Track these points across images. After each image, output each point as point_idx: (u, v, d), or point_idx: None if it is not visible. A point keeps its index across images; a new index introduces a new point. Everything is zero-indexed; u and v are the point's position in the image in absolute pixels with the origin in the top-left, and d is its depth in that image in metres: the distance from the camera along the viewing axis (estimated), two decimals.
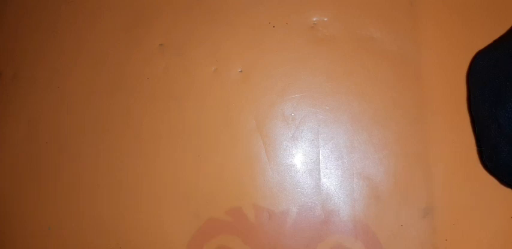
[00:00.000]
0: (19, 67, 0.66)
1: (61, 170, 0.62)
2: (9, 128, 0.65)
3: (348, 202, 0.54)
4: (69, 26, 0.65)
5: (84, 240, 0.60)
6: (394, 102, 0.55)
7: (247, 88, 0.58)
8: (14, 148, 0.65)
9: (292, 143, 0.57)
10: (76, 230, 0.60)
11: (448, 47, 0.55)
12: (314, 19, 0.58)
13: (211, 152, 0.58)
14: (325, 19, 0.58)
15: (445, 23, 0.55)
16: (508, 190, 0.51)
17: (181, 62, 0.60)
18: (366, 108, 0.56)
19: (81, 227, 0.60)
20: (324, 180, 0.55)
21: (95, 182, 0.61)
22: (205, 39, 0.60)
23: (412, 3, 0.56)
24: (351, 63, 0.56)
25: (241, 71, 0.59)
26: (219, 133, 0.58)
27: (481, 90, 0.46)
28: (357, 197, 0.54)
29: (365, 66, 0.56)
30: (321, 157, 0.56)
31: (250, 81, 0.58)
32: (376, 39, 0.56)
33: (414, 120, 0.54)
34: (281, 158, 0.57)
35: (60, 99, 0.64)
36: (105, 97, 0.62)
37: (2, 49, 0.68)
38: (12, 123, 0.65)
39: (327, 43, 0.57)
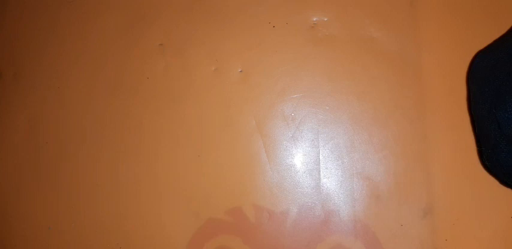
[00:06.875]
0: (19, 67, 0.66)
1: (61, 170, 0.62)
2: (9, 128, 0.65)
3: (348, 202, 0.54)
4: (69, 26, 0.65)
5: (84, 240, 0.60)
6: (394, 102, 0.55)
7: (247, 88, 0.58)
8: (14, 148, 0.65)
9: (292, 143, 0.57)
10: (76, 230, 0.60)
11: (448, 47, 0.55)
12: (314, 19, 0.58)
13: (211, 152, 0.58)
14: (325, 19, 0.58)
15: (445, 23, 0.55)
16: (508, 190, 0.51)
17: (181, 62, 0.60)
18: (366, 108, 0.56)
19: (81, 227, 0.60)
20: (324, 180, 0.55)
21: (95, 182, 0.61)
22: (205, 39, 0.60)
23: (412, 3, 0.56)
24: (351, 63, 0.56)
25: (241, 71, 0.59)
26: (219, 133, 0.58)
27: (481, 90, 0.46)
28: (357, 197, 0.54)
29: (365, 66, 0.56)
30: (321, 157, 0.56)
31: (250, 81, 0.58)
32: (376, 39, 0.56)
33: (414, 120, 0.54)
34: (281, 158, 0.57)
35: (60, 99, 0.64)
36: (105, 97, 0.62)
37: (2, 49, 0.68)
38: (12, 123, 0.65)
39: (327, 43, 0.57)
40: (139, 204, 0.59)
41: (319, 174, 0.55)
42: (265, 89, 0.58)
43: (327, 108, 0.56)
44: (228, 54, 0.59)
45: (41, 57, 0.66)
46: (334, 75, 0.57)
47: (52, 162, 0.62)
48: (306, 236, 0.55)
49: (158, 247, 0.58)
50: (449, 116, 0.54)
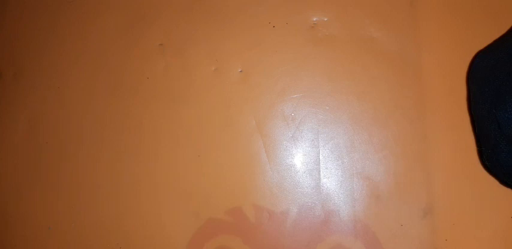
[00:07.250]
0: (19, 67, 0.66)
1: (61, 170, 0.62)
2: (9, 128, 0.65)
3: (348, 202, 0.54)
4: (69, 26, 0.65)
5: (84, 240, 0.60)
6: (394, 102, 0.55)
7: (247, 88, 0.58)
8: (14, 148, 0.65)
9: (292, 143, 0.57)
10: (76, 230, 0.60)
11: (448, 47, 0.55)
12: (314, 19, 0.58)
13: (211, 152, 0.58)
14: (325, 19, 0.58)
15: (445, 23, 0.55)
16: (508, 190, 0.51)
17: (181, 62, 0.60)
18: (366, 108, 0.56)
19: (81, 227, 0.60)
20: (324, 180, 0.55)
21: (95, 182, 0.61)
22: (205, 39, 0.60)
23: (412, 3, 0.56)
24: (351, 63, 0.56)
25: (241, 71, 0.59)
26: (219, 133, 0.58)
27: (481, 90, 0.46)
28: (357, 197, 0.54)
29: (365, 66, 0.56)
30: (321, 157, 0.56)
31: (250, 81, 0.58)
32: (376, 39, 0.56)
33: (414, 119, 0.54)
34: (281, 158, 0.57)
35: (60, 99, 0.64)
36: (105, 97, 0.62)
37: (2, 49, 0.68)
38: (12, 123, 0.65)
39: (327, 43, 0.57)
40: (139, 204, 0.59)
41: (319, 174, 0.55)
42: (265, 89, 0.58)
43: (327, 108, 0.56)
44: (228, 54, 0.59)
45: (41, 57, 0.66)
46: (334, 75, 0.57)
47: (52, 162, 0.62)
48: (306, 236, 0.55)
49: (158, 247, 0.58)
50: (449, 116, 0.54)
